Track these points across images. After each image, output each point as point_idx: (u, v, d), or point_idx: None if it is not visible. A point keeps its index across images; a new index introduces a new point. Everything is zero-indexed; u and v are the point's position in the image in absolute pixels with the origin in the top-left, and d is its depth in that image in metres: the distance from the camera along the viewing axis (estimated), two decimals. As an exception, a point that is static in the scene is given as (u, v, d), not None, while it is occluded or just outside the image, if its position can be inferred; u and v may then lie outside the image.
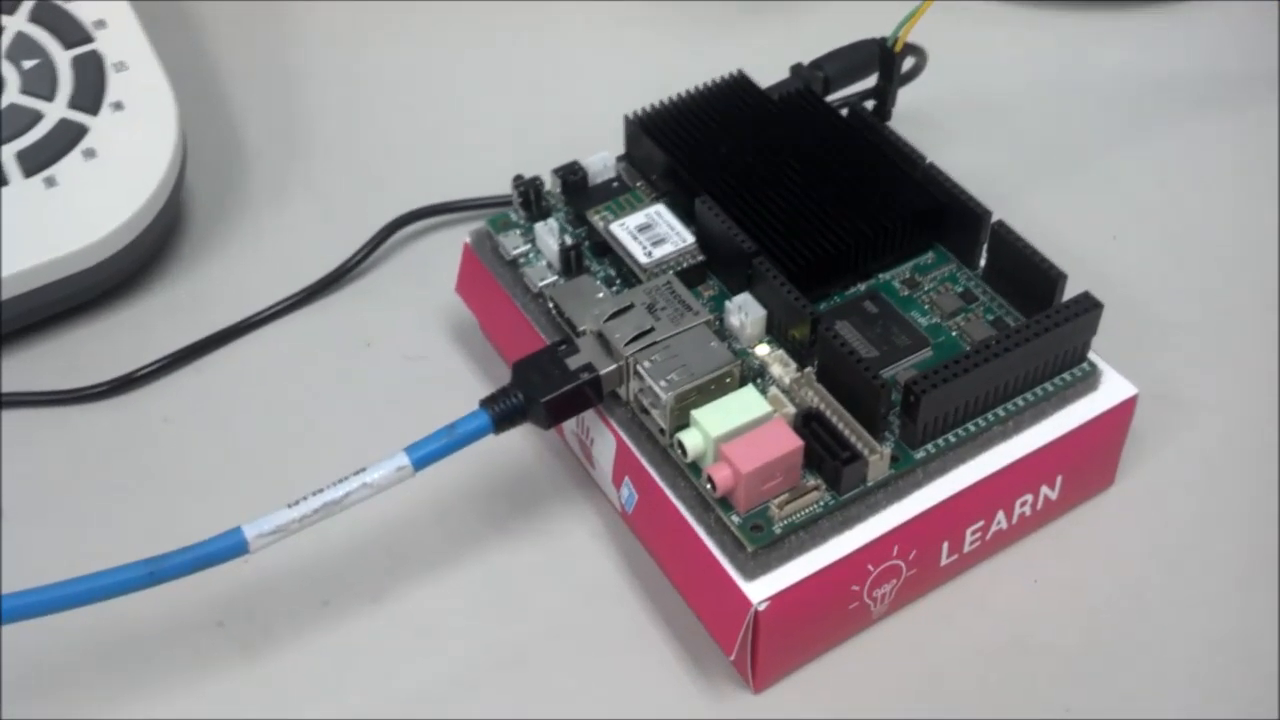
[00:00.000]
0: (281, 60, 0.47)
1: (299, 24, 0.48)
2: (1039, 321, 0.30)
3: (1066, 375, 0.31)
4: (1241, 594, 0.32)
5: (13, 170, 0.37)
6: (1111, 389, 0.32)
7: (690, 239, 0.33)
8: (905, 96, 0.40)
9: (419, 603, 0.32)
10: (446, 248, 0.39)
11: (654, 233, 0.34)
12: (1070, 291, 0.31)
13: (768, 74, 0.38)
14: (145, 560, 0.28)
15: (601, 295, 0.32)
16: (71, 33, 0.40)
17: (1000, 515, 0.31)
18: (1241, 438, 0.35)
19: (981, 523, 0.31)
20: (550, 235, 0.34)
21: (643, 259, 0.33)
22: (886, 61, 0.35)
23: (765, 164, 0.34)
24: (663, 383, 0.29)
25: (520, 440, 0.35)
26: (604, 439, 0.32)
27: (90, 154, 0.38)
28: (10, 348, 0.38)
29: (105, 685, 0.31)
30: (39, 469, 0.35)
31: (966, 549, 0.31)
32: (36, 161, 0.38)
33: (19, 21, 0.40)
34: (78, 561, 0.32)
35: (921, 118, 0.43)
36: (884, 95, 0.36)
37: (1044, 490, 0.32)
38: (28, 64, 0.39)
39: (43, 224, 0.37)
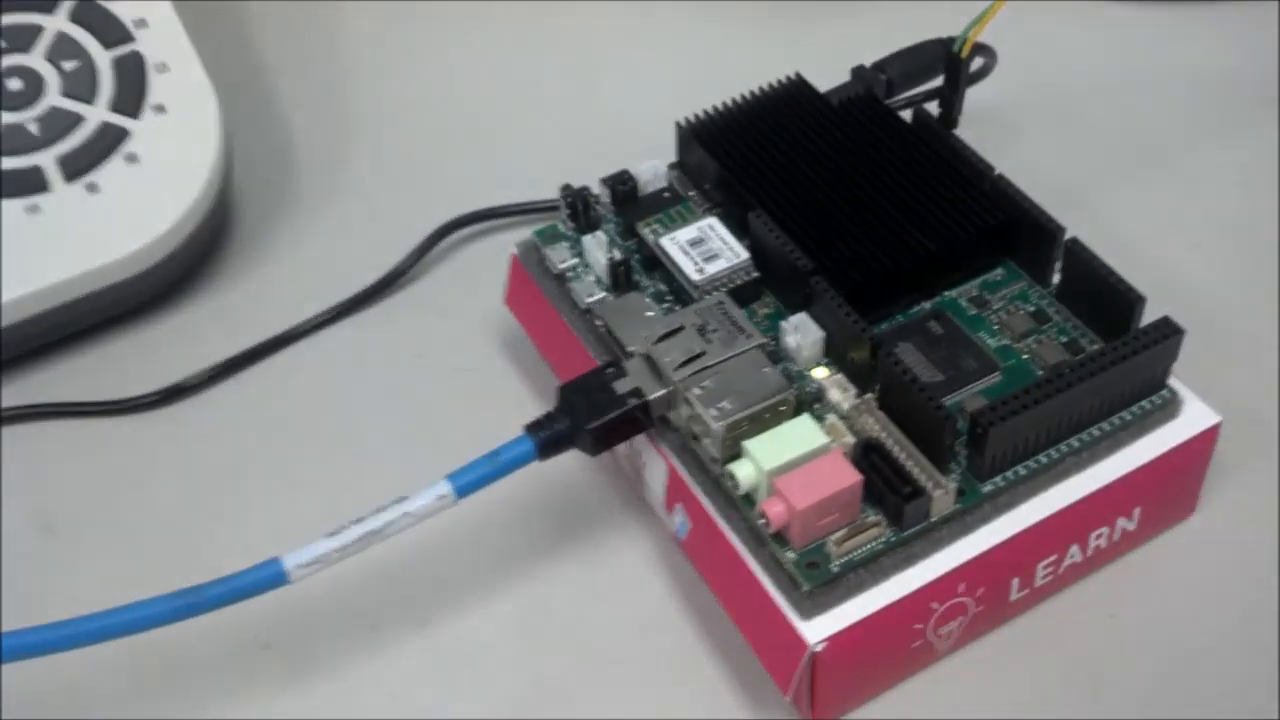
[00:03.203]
0: (329, 59, 0.46)
1: (347, 21, 0.47)
2: (1115, 349, 0.28)
3: (1145, 403, 0.29)
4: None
5: (54, 175, 0.37)
6: (1193, 417, 0.30)
7: (744, 254, 0.32)
8: (973, 94, 0.38)
9: (466, 628, 0.31)
10: (498, 254, 0.38)
11: (706, 248, 0.32)
12: (1150, 311, 0.29)
13: (829, 74, 0.36)
14: (183, 591, 0.28)
15: (651, 314, 0.31)
16: (112, 32, 0.39)
17: (1074, 549, 0.30)
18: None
19: (1054, 557, 0.29)
20: (599, 249, 0.33)
21: (694, 276, 0.32)
22: (953, 66, 0.34)
23: (823, 174, 0.33)
24: (714, 411, 0.28)
25: (570, 458, 0.33)
26: (655, 464, 0.31)
27: (132, 159, 0.37)
28: (54, 357, 0.37)
29: (148, 707, 0.30)
30: (85, 481, 0.34)
31: (1038, 583, 0.30)
32: (78, 166, 0.37)
33: (59, 21, 0.39)
34: (123, 578, 0.32)
35: (990, 116, 0.41)
36: (950, 101, 0.34)
37: (1120, 522, 0.30)
38: (68, 65, 0.38)
39: (85, 231, 0.36)
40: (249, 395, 0.36)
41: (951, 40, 0.34)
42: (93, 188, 0.37)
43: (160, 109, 0.38)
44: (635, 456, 0.31)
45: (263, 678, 0.31)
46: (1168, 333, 0.29)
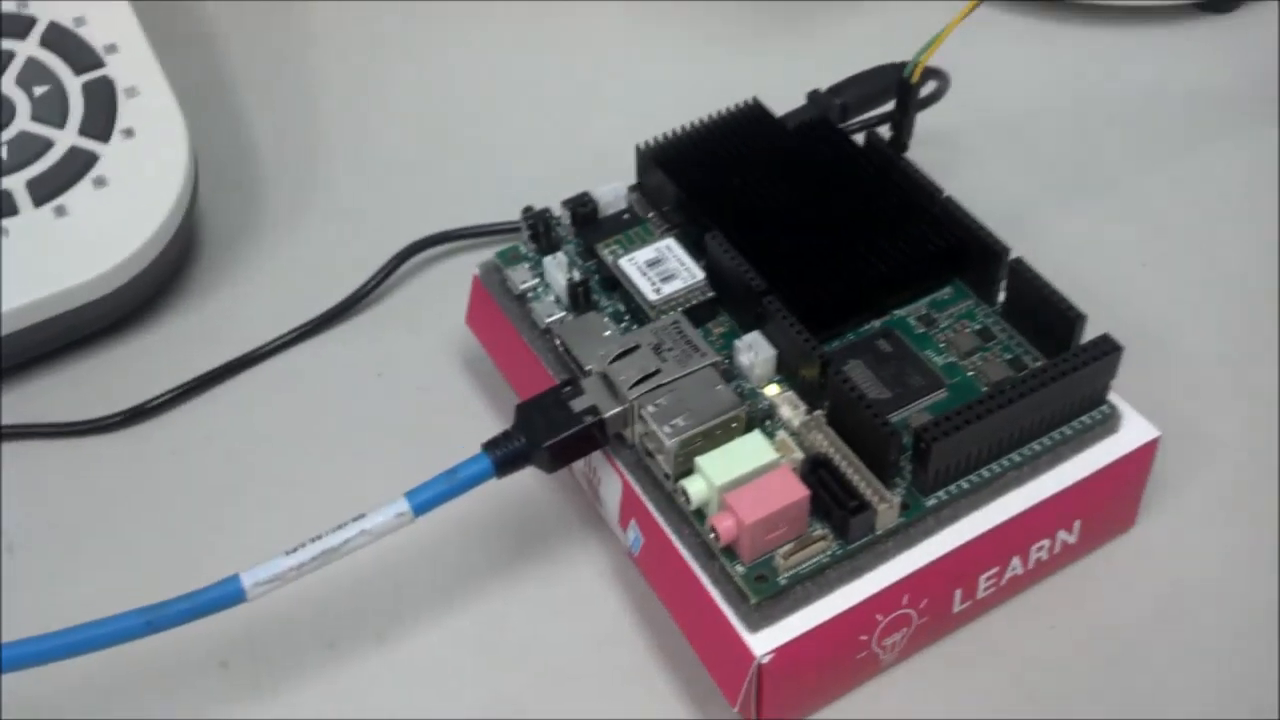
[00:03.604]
0: (297, 81, 0.47)
1: (315, 45, 0.48)
2: (1055, 365, 0.29)
3: (1085, 418, 0.30)
4: (1266, 637, 0.31)
5: (23, 199, 0.37)
6: (1132, 431, 0.31)
7: (700, 275, 0.33)
8: (926, 117, 0.39)
9: (424, 644, 0.32)
10: (461, 274, 0.38)
11: (663, 268, 0.33)
12: (1096, 328, 0.30)
13: (787, 97, 0.37)
14: (142, 609, 0.28)
15: (608, 334, 0.31)
16: (82, 58, 0.40)
17: (1016, 561, 0.30)
18: (1268, 475, 0.34)
19: (996, 569, 0.30)
20: (558, 270, 0.33)
21: (651, 296, 0.32)
22: (904, 91, 0.34)
23: (778, 197, 0.34)
24: (667, 428, 0.29)
25: (528, 475, 0.34)
26: (610, 480, 0.31)
27: (101, 182, 0.38)
28: (22, 378, 0.38)
29: (106, 729, 0.30)
30: (48, 501, 0.35)
31: (980, 595, 0.30)
32: (46, 190, 0.37)
33: (30, 46, 0.40)
34: (82, 596, 0.32)
35: (942, 138, 0.42)
36: (901, 126, 0.35)
37: (1061, 535, 0.31)
38: (38, 90, 0.39)
39: (53, 254, 0.37)
40: (211, 416, 0.37)
41: (904, 65, 0.35)
42: (61, 211, 0.37)
43: (129, 133, 0.39)
44: (591, 473, 0.32)
45: (221, 696, 0.31)
46: (1107, 349, 0.29)
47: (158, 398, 0.37)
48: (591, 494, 0.33)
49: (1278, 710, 0.30)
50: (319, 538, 0.29)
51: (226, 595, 0.28)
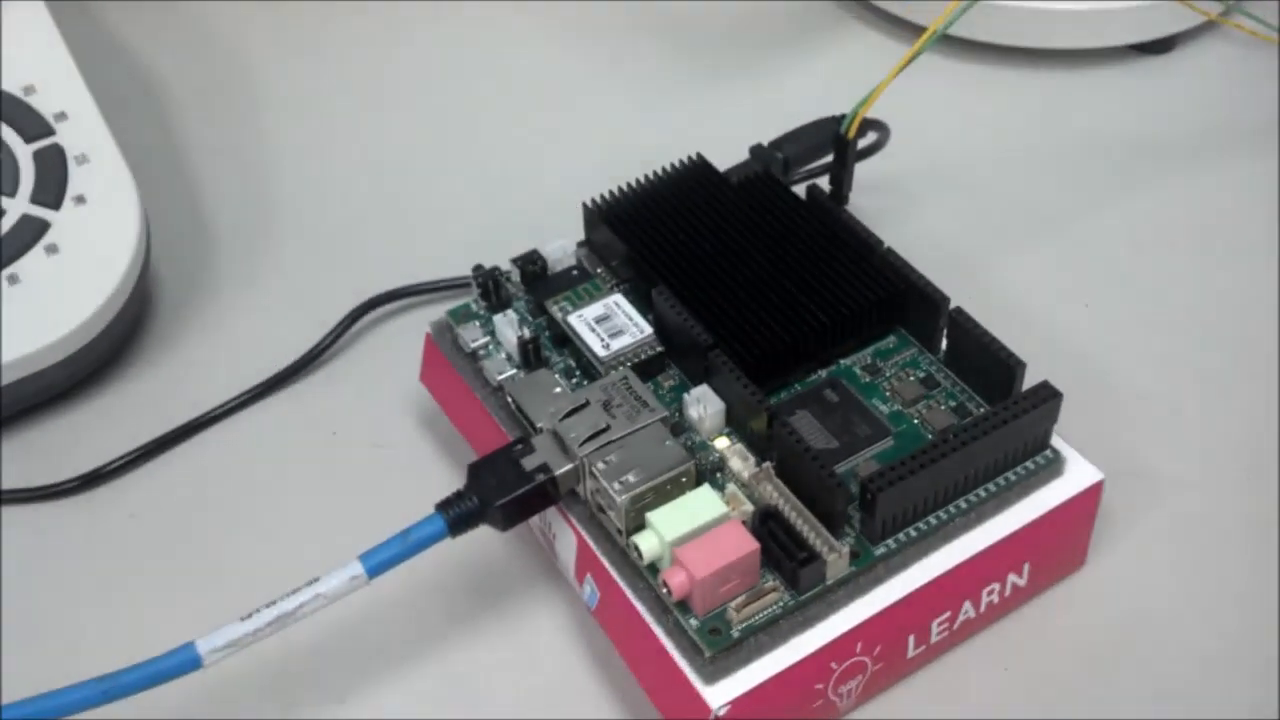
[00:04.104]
0: (247, 143, 0.47)
1: (265, 107, 0.48)
2: (996, 414, 0.29)
3: (1029, 464, 0.31)
4: (1219, 670, 0.31)
5: (-26, 269, 0.37)
6: (1076, 475, 0.31)
7: (648, 330, 0.33)
8: (869, 164, 0.40)
9: (384, 704, 0.32)
10: (413, 331, 0.39)
11: (612, 324, 0.33)
12: (1044, 370, 0.31)
13: (734, 144, 0.38)
14: (98, 679, 0.28)
15: (558, 390, 0.32)
16: (32, 126, 0.40)
17: (967, 605, 0.31)
18: (1216, 513, 0.34)
19: (948, 614, 0.30)
20: (509, 328, 0.34)
21: (600, 351, 0.33)
22: (840, 147, 0.35)
23: (723, 252, 0.34)
24: (617, 484, 0.29)
25: (485, 530, 0.34)
26: (565, 535, 0.31)
27: (53, 249, 0.38)
28: (-25, 446, 0.38)
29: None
30: (2, 568, 0.35)
31: (934, 640, 0.31)
32: (-2, 259, 0.38)
33: (-21, 116, 0.40)
34: (36, 665, 0.32)
35: (886, 185, 0.43)
36: (839, 180, 0.35)
37: (1011, 578, 0.31)
38: (-11, 160, 0.39)
39: (6, 322, 0.37)
40: (167, 480, 0.37)
41: (843, 118, 0.36)
42: (14, 279, 0.37)
43: (80, 200, 0.39)
44: (547, 528, 0.32)
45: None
46: (1046, 396, 0.30)
47: (113, 462, 0.37)
48: (548, 548, 0.33)
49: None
50: (274, 603, 0.29)
51: (182, 663, 0.28)
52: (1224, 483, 0.35)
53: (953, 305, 0.32)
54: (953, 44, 0.48)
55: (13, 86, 0.41)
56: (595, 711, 0.31)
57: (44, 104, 0.41)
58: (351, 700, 0.32)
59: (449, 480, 0.36)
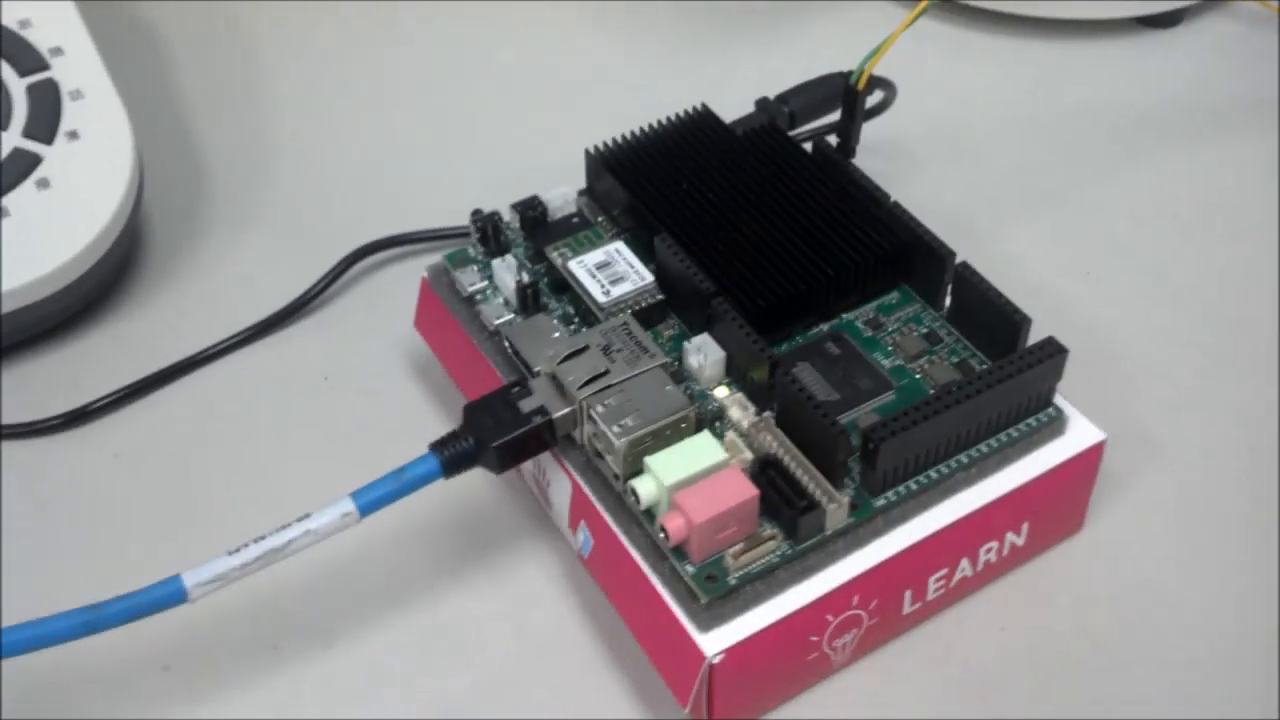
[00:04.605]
0: (244, 85, 0.46)
1: (263, 48, 0.48)
2: (1001, 368, 0.29)
3: (1031, 420, 0.30)
4: (1216, 637, 0.31)
5: (-36, 201, 0.37)
6: (1078, 434, 0.31)
7: (649, 277, 0.33)
8: (875, 127, 0.39)
9: (371, 648, 0.31)
10: (408, 279, 0.38)
11: (613, 271, 0.33)
12: (1041, 333, 0.31)
13: (738, 101, 0.37)
14: (81, 609, 0.27)
15: (557, 335, 0.31)
16: (27, 60, 0.39)
17: (965, 562, 0.30)
18: (1214, 479, 0.34)
19: (945, 570, 0.30)
20: (507, 272, 0.33)
21: (600, 298, 0.32)
22: (850, 98, 0.35)
23: (727, 202, 0.34)
24: (616, 428, 0.29)
25: (476, 477, 0.34)
26: (559, 482, 0.31)
27: (44, 184, 0.37)
28: (-40, 381, 0.37)
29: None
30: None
31: (930, 596, 0.30)
32: (-12, 192, 0.37)
33: (-27, 48, 0.39)
34: (21, 598, 0.32)
35: (891, 148, 0.42)
36: (848, 133, 0.35)
37: (1010, 537, 0.31)
38: (-19, 92, 0.39)
39: (-6, 256, 0.36)
40: (155, 419, 0.36)
41: (850, 73, 0.35)
42: (3, 212, 0.37)
43: (73, 135, 0.39)
44: (540, 475, 0.32)
45: (163, 699, 0.30)
46: (1051, 352, 0.30)
47: (100, 400, 0.36)
48: (540, 496, 0.33)
49: (1229, 711, 0.30)
50: (263, 538, 0.28)
51: (167, 595, 0.28)
52: (1223, 452, 0.35)
53: (958, 260, 0.32)
54: (959, 11, 0.48)
55: (9, 20, 0.40)
56: (585, 661, 0.31)
57: (39, 38, 0.40)
58: (338, 644, 0.31)
59: (440, 427, 0.35)
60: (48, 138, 0.38)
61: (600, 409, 0.29)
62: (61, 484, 0.35)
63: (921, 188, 0.42)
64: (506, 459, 0.30)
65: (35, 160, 0.38)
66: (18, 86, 0.39)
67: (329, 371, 0.37)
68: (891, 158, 0.42)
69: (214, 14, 0.49)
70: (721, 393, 0.31)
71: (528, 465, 0.32)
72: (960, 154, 0.43)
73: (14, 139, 0.38)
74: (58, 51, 0.40)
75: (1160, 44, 0.47)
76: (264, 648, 0.31)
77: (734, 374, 0.31)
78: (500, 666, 0.31)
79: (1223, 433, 0.35)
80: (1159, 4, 0.47)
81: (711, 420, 0.30)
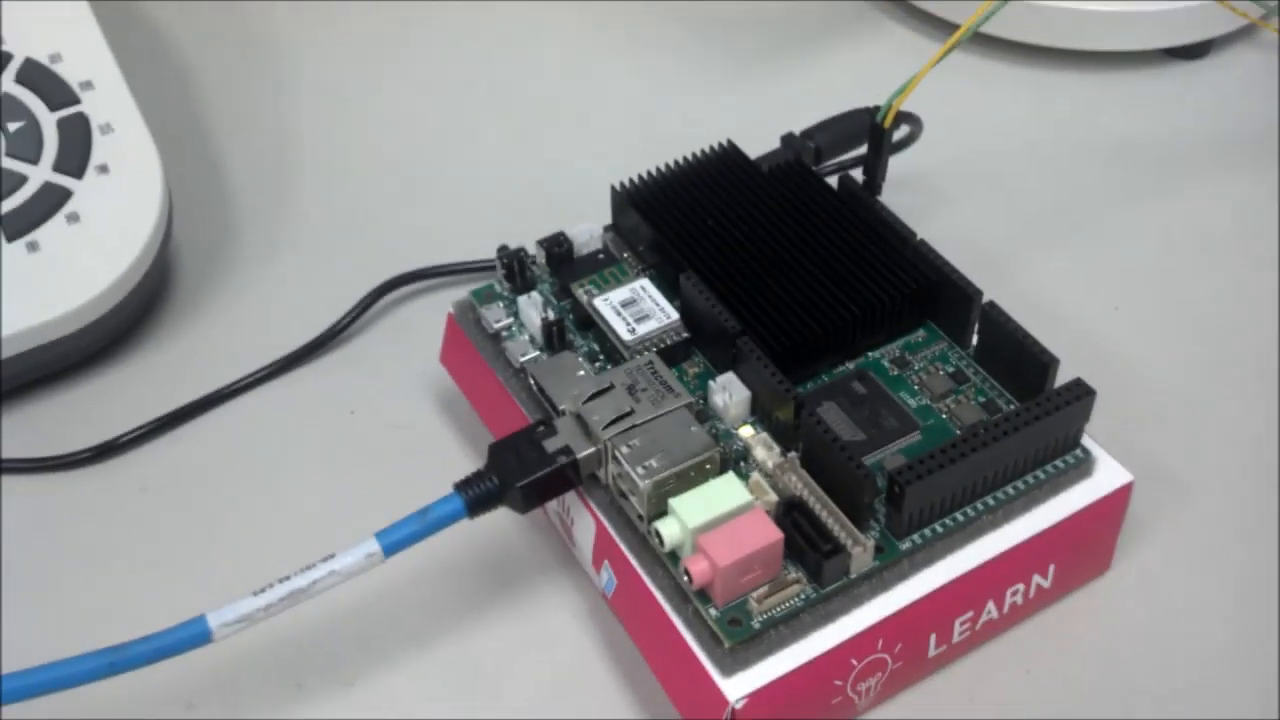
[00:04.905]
0: (272, 118, 0.47)
1: (290, 81, 0.48)
2: (1028, 409, 0.29)
3: (1059, 462, 0.30)
4: (1243, 679, 0.31)
5: (-5, 234, 0.37)
6: (1106, 476, 0.31)
7: (675, 315, 0.33)
8: (900, 160, 0.39)
9: (393, 686, 0.31)
10: (436, 312, 0.38)
11: (638, 308, 0.33)
12: (1070, 371, 0.30)
13: (763, 133, 0.37)
14: (105, 650, 0.27)
15: (582, 373, 0.31)
16: (58, 94, 0.40)
17: (990, 605, 0.30)
18: (1243, 517, 0.34)
19: (971, 613, 0.30)
20: (533, 309, 0.33)
21: (626, 336, 0.32)
22: (875, 137, 0.35)
23: (753, 239, 0.34)
24: (640, 469, 0.29)
25: (501, 515, 0.34)
26: (584, 521, 0.31)
27: (74, 218, 0.38)
28: (-10, 414, 0.37)
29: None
30: (13, 537, 0.34)
31: (955, 639, 0.30)
32: (19, 226, 0.37)
33: (6, 82, 0.40)
34: (44, 636, 0.32)
35: (917, 181, 0.42)
36: (874, 170, 0.35)
37: (1036, 579, 0.31)
38: (13, 126, 0.39)
39: (25, 289, 0.36)
40: (182, 453, 0.36)
41: (877, 109, 0.35)
42: (34, 246, 0.37)
43: (103, 169, 0.39)
44: (565, 513, 0.32)
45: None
46: (1080, 394, 0.29)
47: (128, 434, 0.36)
48: (565, 534, 0.33)
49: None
50: (287, 578, 0.28)
51: (192, 636, 0.28)
52: (1252, 490, 0.34)
53: (985, 299, 0.31)
54: (984, 42, 0.48)
55: (38, 54, 0.40)
56: (608, 702, 0.31)
57: (69, 72, 0.40)
58: (360, 682, 0.31)
59: (466, 463, 0.35)
60: (78, 172, 0.39)
61: (625, 449, 0.29)
62: (88, 518, 0.35)
63: (946, 221, 0.41)
64: (531, 499, 0.30)
65: (65, 194, 0.38)
66: (48, 121, 0.39)
67: (355, 405, 0.37)
68: (916, 191, 0.42)
69: (241, 46, 0.50)
70: (746, 432, 0.31)
71: (552, 504, 0.32)
72: (985, 187, 0.43)
73: (44, 173, 0.38)
74: (88, 85, 0.40)
75: (1187, 75, 0.47)
76: (287, 685, 0.31)
77: (759, 413, 0.31)
78: (523, 705, 0.31)
79: (1251, 471, 0.35)
80: (1186, 35, 0.47)
81: (736, 460, 0.30)
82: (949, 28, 0.49)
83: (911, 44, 0.49)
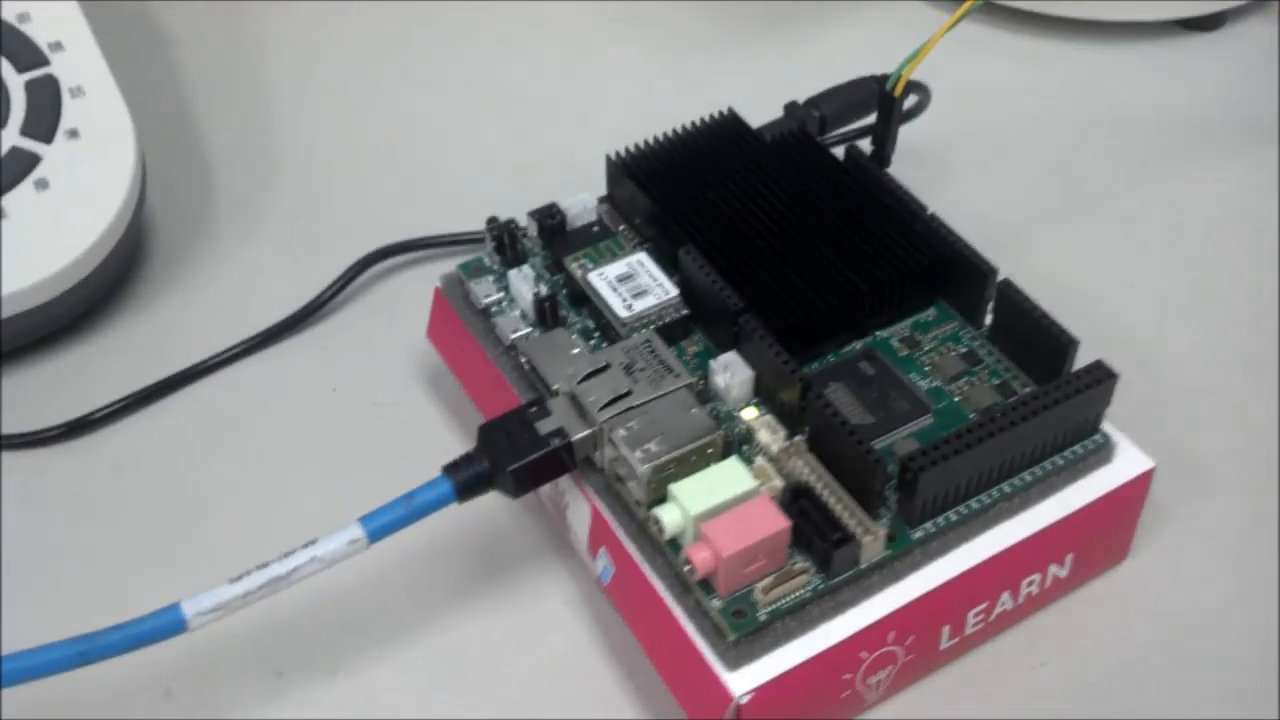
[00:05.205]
0: (253, 84, 0.45)
1: (272, 46, 0.46)
2: (1048, 393, 0.28)
3: (1078, 448, 0.29)
4: (1263, 671, 0.30)
5: (-41, 201, 0.35)
6: (1126, 462, 0.29)
7: (674, 291, 0.31)
8: (905, 130, 0.37)
9: (377, 676, 0.30)
10: (421, 286, 0.37)
11: (635, 284, 0.31)
12: (1083, 350, 0.29)
13: (765, 102, 0.36)
14: (76, 639, 0.26)
15: (577, 351, 0.30)
16: (26, 55, 0.38)
17: (1005, 596, 0.29)
18: (1263, 503, 0.33)
19: (985, 604, 0.29)
20: (524, 284, 0.32)
21: (622, 312, 0.31)
22: (885, 105, 0.33)
23: (755, 212, 0.32)
24: (639, 453, 0.27)
25: (490, 496, 0.33)
26: (579, 505, 0.30)
27: (43, 184, 0.36)
28: (-46, 389, 0.36)
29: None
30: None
31: (969, 631, 0.29)
32: (-15, 192, 0.36)
33: (-30, 43, 0.38)
34: (13, 621, 0.30)
35: (924, 153, 0.41)
36: (883, 140, 0.33)
37: (1053, 569, 0.29)
38: (-22, 88, 0.37)
39: (-10, 259, 0.35)
40: (156, 431, 0.35)
41: (884, 78, 0.34)
42: (1, 214, 0.35)
43: (73, 134, 0.37)
44: (558, 497, 0.30)
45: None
46: (1101, 377, 0.28)
47: (100, 410, 0.35)
48: (558, 519, 0.31)
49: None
50: (266, 565, 0.27)
51: (166, 625, 0.26)
52: (1273, 477, 0.33)
53: (1000, 277, 0.30)
54: (992, 11, 0.46)
55: (8, 15, 0.39)
56: (604, 694, 0.30)
57: (39, 33, 0.39)
58: (343, 672, 0.30)
59: (453, 442, 0.34)
60: (47, 136, 0.37)
61: (623, 432, 0.28)
62: (59, 498, 0.33)
63: (954, 193, 0.40)
64: (523, 483, 0.28)
65: (34, 160, 0.36)
66: (16, 83, 0.38)
67: (337, 382, 0.36)
68: (923, 163, 0.41)
69: (219, 9, 0.48)
70: (749, 414, 0.29)
71: (544, 487, 0.31)
72: (995, 159, 0.42)
73: (12, 137, 0.37)
74: (57, 47, 0.39)
75: (1201, 47, 0.46)
76: (267, 673, 0.30)
77: (762, 394, 0.30)
78: (514, 695, 0.30)
79: (1271, 455, 0.34)
80: (1200, 6, 0.45)
81: (739, 443, 0.29)
82: (955, -3, 0.47)
83: (917, 12, 0.47)
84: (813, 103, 0.36)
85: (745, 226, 0.32)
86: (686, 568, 0.26)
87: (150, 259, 0.39)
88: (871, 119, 0.35)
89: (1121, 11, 0.45)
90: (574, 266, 0.32)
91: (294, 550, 0.27)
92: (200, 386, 0.36)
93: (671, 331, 0.31)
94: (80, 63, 0.38)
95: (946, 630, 0.28)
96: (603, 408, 0.28)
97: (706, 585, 0.27)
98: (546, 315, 0.32)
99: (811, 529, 0.27)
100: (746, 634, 0.26)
